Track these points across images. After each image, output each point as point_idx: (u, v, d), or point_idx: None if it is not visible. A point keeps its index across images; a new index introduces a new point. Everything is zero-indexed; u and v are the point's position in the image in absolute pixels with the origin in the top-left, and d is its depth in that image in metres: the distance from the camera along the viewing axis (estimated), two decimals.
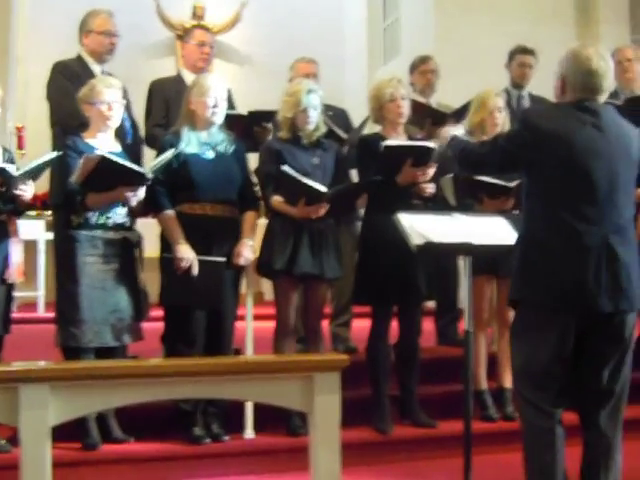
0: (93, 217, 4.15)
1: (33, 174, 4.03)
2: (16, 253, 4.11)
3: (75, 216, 4.14)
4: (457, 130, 3.88)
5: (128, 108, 4.67)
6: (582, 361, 3.18)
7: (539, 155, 3.16)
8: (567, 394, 3.20)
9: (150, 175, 4.12)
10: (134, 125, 4.89)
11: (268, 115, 5.00)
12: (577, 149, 3.10)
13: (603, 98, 3.25)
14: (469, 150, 3.57)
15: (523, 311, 3.26)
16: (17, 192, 3.98)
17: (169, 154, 4.18)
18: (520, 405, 3.33)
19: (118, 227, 4.23)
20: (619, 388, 3.20)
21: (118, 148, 4.34)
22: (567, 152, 3.10)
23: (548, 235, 3.13)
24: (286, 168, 4.29)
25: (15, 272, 4.10)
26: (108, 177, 4.04)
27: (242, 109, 5.26)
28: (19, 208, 4.16)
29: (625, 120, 3.33)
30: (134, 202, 4.19)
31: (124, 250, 4.24)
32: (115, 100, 4.27)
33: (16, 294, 4.65)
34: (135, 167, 4.10)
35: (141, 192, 4.18)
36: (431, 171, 4.48)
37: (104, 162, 3.95)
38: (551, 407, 3.15)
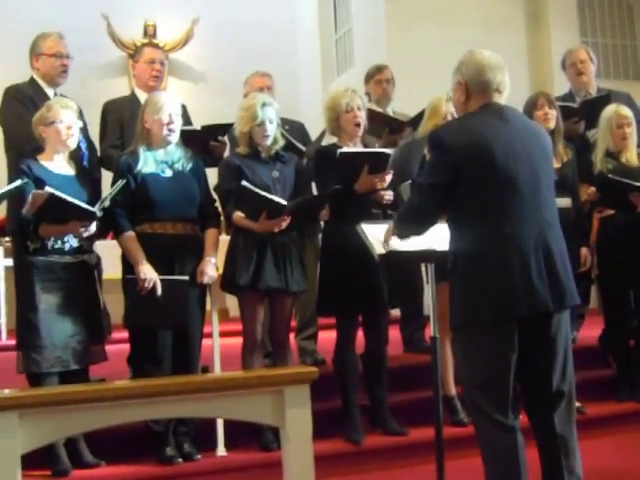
0: (49, 242, 4.12)
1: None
2: None
3: (31, 242, 4.10)
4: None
5: (84, 130, 4.64)
6: (531, 366, 3.18)
7: (463, 171, 3.09)
8: (517, 401, 3.20)
9: (99, 213, 4.09)
10: (90, 147, 4.86)
11: (223, 128, 5.00)
12: (498, 156, 3.07)
13: (504, 97, 3.25)
14: (402, 214, 3.45)
15: (472, 328, 3.18)
16: None
17: (118, 186, 4.16)
18: (478, 422, 3.26)
19: (75, 251, 4.19)
20: (568, 387, 3.21)
21: (72, 172, 4.31)
22: (489, 160, 3.06)
23: (483, 248, 3.09)
24: (246, 183, 4.28)
25: None
26: (59, 212, 4.01)
27: (198, 126, 5.24)
28: None
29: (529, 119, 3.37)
30: (85, 235, 4.16)
31: (83, 273, 4.21)
32: (73, 121, 4.24)
33: None
34: (83, 205, 4.04)
35: (92, 227, 4.14)
36: (388, 177, 4.48)
37: (52, 198, 3.92)
38: (511, 418, 3.13)
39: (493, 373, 3.13)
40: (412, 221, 3.40)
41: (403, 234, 3.48)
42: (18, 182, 4.06)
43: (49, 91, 4.78)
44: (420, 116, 5.09)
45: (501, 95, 3.22)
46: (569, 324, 3.27)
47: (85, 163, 4.68)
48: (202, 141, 5.01)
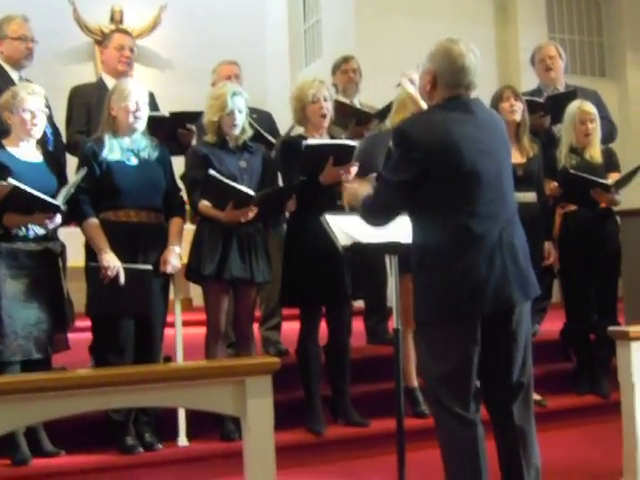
0: (13, 229, 4.08)
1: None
2: None
3: None
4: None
5: (49, 116, 4.59)
6: (492, 358, 3.20)
7: (431, 168, 3.07)
8: (478, 395, 3.24)
9: (63, 207, 4.08)
10: (56, 132, 4.81)
11: (191, 116, 4.98)
12: (465, 153, 3.06)
13: (473, 93, 3.24)
14: (368, 207, 3.40)
15: (437, 325, 3.20)
16: None
17: (79, 177, 4.15)
18: (438, 415, 3.28)
19: (39, 238, 4.15)
20: (527, 379, 3.26)
21: (39, 158, 4.28)
22: (457, 159, 3.06)
23: (450, 245, 3.10)
24: (213, 172, 4.27)
25: None
26: (23, 203, 3.99)
27: (166, 113, 5.21)
28: None
29: (489, 108, 3.39)
30: (50, 227, 4.15)
31: (47, 261, 4.18)
32: (39, 108, 4.19)
33: None
34: (47, 199, 4.01)
35: (57, 219, 4.13)
36: (354, 169, 4.49)
37: (16, 191, 3.90)
38: (472, 412, 3.17)
39: (457, 367, 3.15)
40: (378, 215, 3.40)
41: (367, 224, 3.48)
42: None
43: (14, 75, 4.73)
44: (387, 108, 5.11)
45: (467, 92, 3.21)
46: (530, 316, 3.31)
47: (50, 148, 4.63)
48: (170, 128, 4.98)
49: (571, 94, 5.65)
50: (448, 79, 3.16)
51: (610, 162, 5.35)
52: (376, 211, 3.39)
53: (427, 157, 3.07)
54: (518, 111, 5.09)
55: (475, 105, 3.23)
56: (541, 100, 5.69)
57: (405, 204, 3.29)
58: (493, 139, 3.20)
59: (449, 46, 3.18)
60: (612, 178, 5.19)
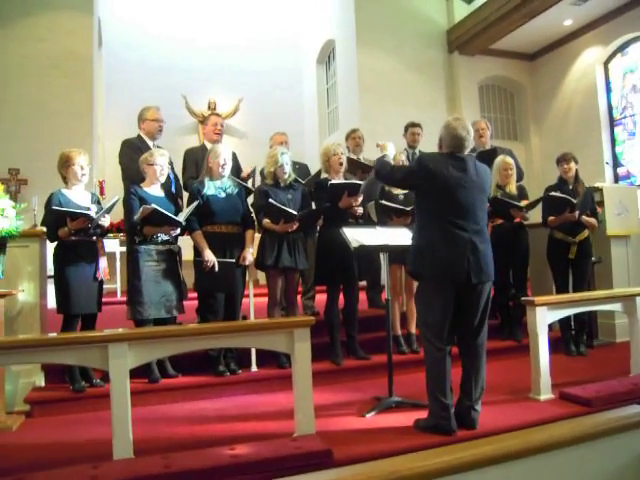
0: (149, 236, 4.11)
1: (107, 211, 4.00)
2: (103, 261, 4.05)
3: (137, 237, 4.10)
4: (390, 150, 3.86)
5: (172, 168, 4.63)
6: (460, 316, 3.20)
7: (426, 185, 3.15)
8: (451, 336, 3.22)
9: (183, 223, 4.13)
10: (176, 178, 4.84)
11: (255, 172, 5.05)
12: (450, 184, 3.11)
13: (466, 150, 3.25)
14: (384, 168, 3.47)
15: (423, 285, 3.24)
16: (100, 222, 3.95)
17: (194, 205, 4.19)
18: (424, 344, 3.28)
19: (165, 242, 4.18)
20: (483, 330, 3.24)
21: (162, 194, 4.30)
22: (444, 185, 3.11)
23: (435, 236, 3.12)
24: (272, 201, 4.30)
25: (104, 273, 4.05)
26: (158, 219, 4.03)
27: (243, 164, 5.30)
28: (102, 232, 4.10)
29: (482, 164, 3.37)
30: (173, 235, 4.19)
31: (169, 256, 4.19)
32: (163, 163, 4.24)
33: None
34: (174, 217, 4.08)
35: (178, 230, 4.18)
36: (360, 199, 4.50)
37: (155, 211, 3.97)
38: (443, 345, 3.15)
39: (437, 317, 3.15)
40: (385, 178, 3.50)
41: (378, 177, 3.56)
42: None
43: (150, 143, 4.74)
44: None
45: (464, 150, 3.24)
46: (489, 290, 3.27)
47: (173, 188, 4.66)
48: (245, 179, 5.08)
49: (494, 151, 5.59)
50: (446, 142, 3.25)
51: (522, 193, 5.27)
52: (388, 177, 3.48)
53: (424, 175, 3.15)
54: None
55: (468, 159, 3.24)
56: (474, 155, 5.63)
57: (399, 184, 3.66)
58: (471, 181, 3.18)
59: (449, 122, 3.27)
60: (523, 203, 5.12)
